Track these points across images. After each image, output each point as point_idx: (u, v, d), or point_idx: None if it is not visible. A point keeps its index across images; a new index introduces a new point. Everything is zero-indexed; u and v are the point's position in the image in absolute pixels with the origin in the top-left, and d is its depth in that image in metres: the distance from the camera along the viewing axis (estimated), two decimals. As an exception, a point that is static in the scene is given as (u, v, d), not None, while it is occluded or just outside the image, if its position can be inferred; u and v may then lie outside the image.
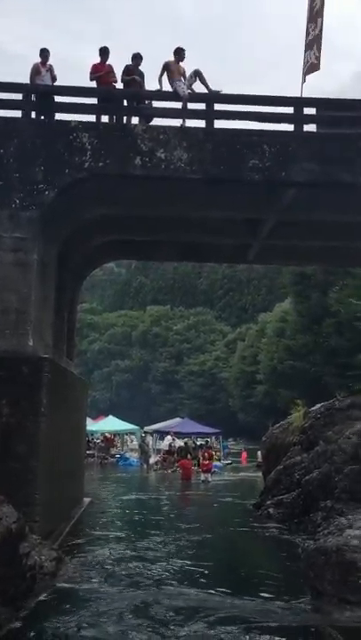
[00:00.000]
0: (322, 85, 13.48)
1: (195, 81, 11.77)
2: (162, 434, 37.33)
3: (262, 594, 8.88)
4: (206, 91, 11.78)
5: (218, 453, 34.31)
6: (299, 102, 12.13)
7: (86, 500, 17.27)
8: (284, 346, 50.81)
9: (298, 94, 12.69)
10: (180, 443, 34.84)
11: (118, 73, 12.16)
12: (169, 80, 11.81)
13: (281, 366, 50.18)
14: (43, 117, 11.67)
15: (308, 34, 13.30)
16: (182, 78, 11.73)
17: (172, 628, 7.31)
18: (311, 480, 13.69)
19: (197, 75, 11.76)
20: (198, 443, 35.21)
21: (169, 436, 34.30)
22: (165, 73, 11.79)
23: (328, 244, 15.80)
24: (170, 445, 33.33)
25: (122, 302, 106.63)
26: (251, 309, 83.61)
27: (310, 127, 12.15)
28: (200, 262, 60.08)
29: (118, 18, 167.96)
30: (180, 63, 11.89)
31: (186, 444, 33.97)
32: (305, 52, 13.20)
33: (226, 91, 11.96)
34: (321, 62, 12.70)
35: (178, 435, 36.04)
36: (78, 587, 8.91)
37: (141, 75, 12.25)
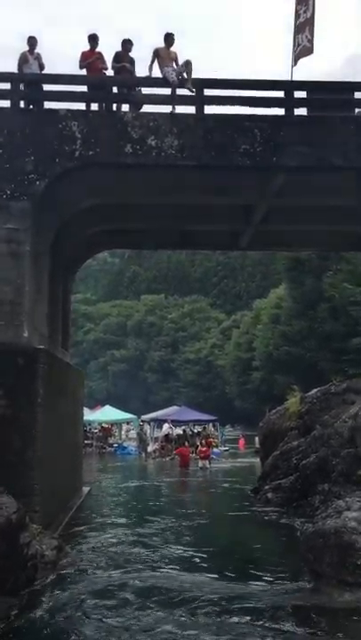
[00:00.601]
0: (313, 69, 13.37)
1: (184, 70, 11.65)
2: (159, 422, 37.45)
3: (262, 577, 8.97)
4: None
5: (216, 440, 34.41)
6: (289, 86, 12.06)
7: (85, 489, 17.35)
8: (279, 332, 50.87)
9: (288, 78, 12.61)
10: (177, 430, 34.98)
11: (108, 60, 12.06)
12: (160, 66, 11.71)
13: (277, 352, 50.27)
14: (31, 106, 11.57)
15: (298, 16, 13.17)
16: (174, 63, 11.62)
17: (173, 613, 7.36)
18: (309, 464, 13.77)
19: (187, 65, 11.62)
20: (196, 430, 35.34)
21: (166, 425, 34.39)
22: (156, 60, 11.67)
23: (321, 229, 15.81)
24: (167, 433, 33.43)
25: (116, 292, 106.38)
26: (245, 296, 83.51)
27: (301, 111, 12.10)
28: (193, 250, 59.94)
29: (105, 4, 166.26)
30: (171, 48, 11.78)
31: (184, 431, 34.12)
32: (295, 34, 13.10)
33: (215, 75, 11.89)
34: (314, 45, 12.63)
35: (175, 422, 36.15)
36: (79, 575, 8.96)
37: (132, 61, 12.13)
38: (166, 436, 33.21)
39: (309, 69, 13.73)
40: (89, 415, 34.91)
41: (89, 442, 33.38)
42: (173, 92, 11.46)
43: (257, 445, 25.05)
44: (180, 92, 11.56)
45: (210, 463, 26.15)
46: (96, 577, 8.91)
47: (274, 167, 11.65)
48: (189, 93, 11.60)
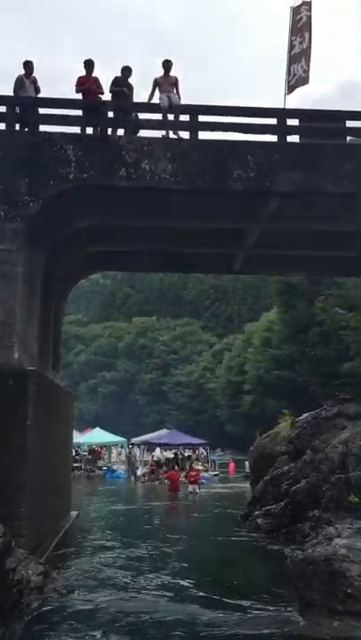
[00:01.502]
0: (307, 94, 13.65)
1: (177, 100, 11.81)
2: (150, 446, 37.20)
3: (250, 605, 8.83)
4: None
5: (205, 464, 34.18)
6: (282, 113, 12.25)
7: (73, 513, 17.13)
8: (270, 355, 50.88)
9: (281, 105, 12.83)
10: (168, 454, 34.74)
11: (104, 85, 12.22)
12: (160, 94, 11.90)
13: (268, 376, 50.22)
14: (27, 129, 11.66)
15: (292, 46, 13.47)
16: (174, 89, 11.80)
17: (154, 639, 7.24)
18: (299, 490, 13.68)
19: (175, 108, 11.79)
20: (186, 454, 35.13)
21: (158, 449, 33.96)
22: (157, 88, 11.86)
23: (313, 254, 15.92)
24: (158, 459, 32.92)
25: (108, 313, 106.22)
26: (237, 319, 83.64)
27: (294, 138, 12.27)
28: (186, 273, 60.11)
29: (103, 33, 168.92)
30: (170, 73, 11.96)
31: (175, 454, 33.89)
32: (290, 64, 13.37)
33: (210, 102, 12.08)
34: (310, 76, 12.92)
35: (165, 446, 35.93)
36: (65, 601, 8.80)
37: (130, 87, 12.31)
38: (157, 460, 32.84)
39: (303, 95, 14.03)
40: (78, 437, 34.63)
41: (78, 465, 33.05)
42: (164, 117, 11.61)
43: (247, 470, 24.89)
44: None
45: (199, 488, 25.91)
46: (82, 603, 8.75)
47: (266, 192, 11.78)
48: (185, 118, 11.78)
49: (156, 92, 11.79)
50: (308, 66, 13.18)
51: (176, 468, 30.08)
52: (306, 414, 16.19)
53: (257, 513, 15.57)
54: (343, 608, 7.55)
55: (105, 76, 12.29)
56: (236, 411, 59.88)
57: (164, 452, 36.14)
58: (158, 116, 11.87)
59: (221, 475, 36.33)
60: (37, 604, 8.41)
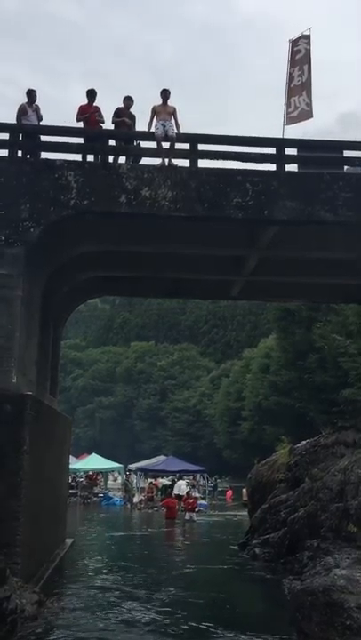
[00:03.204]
0: (307, 125, 13.85)
1: (170, 127, 11.98)
2: (146, 472, 36.87)
3: (248, 636, 8.69)
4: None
5: (198, 497, 33.41)
6: (281, 143, 12.42)
7: (69, 540, 16.91)
8: (268, 382, 50.75)
9: (279, 135, 13.02)
10: (165, 481, 34.42)
11: (106, 114, 12.44)
12: (157, 122, 12.06)
13: (266, 402, 50.03)
14: (29, 156, 11.81)
15: (291, 78, 13.71)
16: (172, 117, 11.97)
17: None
18: (297, 519, 13.53)
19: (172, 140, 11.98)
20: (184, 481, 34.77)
21: (183, 483, 32.48)
22: (155, 116, 12.03)
23: (311, 281, 16.00)
24: (179, 490, 31.31)
25: (106, 338, 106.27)
26: (235, 345, 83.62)
27: (292, 167, 12.44)
28: (184, 298, 60.30)
29: (103, 63, 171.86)
30: (168, 102, 12.14)
31: (173, 481, 33.55)
32: (289, 96, 13.58)
33: (209, 131, 12.25)
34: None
35: (162, 473, 35.64)
36: (59, 631, 8.65)
37: (132, 117, 12.51)
38: (177, 494, 30.78)
39: (303, 125, 14.23)
40: (75, 463, 34.35)
41: (74, 491, 32.70)
42: (159, 145, 11.78)
43: (244, 497, 24.64)
44: (176, 145, 11.86)
45: (197, 515, 25.59)
46: (76, 633, 8.60)
47: (265, 220, 11.89)
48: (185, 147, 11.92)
49: (155, 121, 11.96)
50: (310, 99, 13.40)
51: (173, 495, 29.73)
52: (304, 442, 16.10)
53: (255, 542, 15.40)
54: (342, 640, 7.43)
55: (107, 106, 12.53)
56: (234, 437, 59.50)
57: (161, 479, 35.82)
58: (155, 144, 12.02)
59: (219, 502, 35.92)
60: (31, 634, 8.27)
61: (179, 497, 28.04)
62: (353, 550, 10.19)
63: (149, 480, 36.04)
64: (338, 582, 8.02)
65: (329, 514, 12.26)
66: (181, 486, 30.53)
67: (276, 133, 13.39)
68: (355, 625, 7.45)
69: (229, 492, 39.20)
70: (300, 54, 13.77)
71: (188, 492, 28.07)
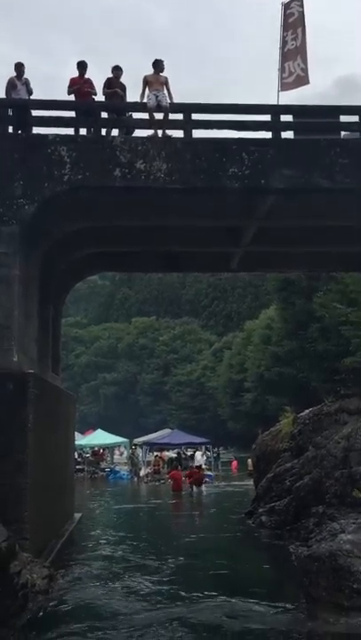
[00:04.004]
0: (303, 91, 13.56)
1: (164, 98, 11.76)
2: (152, 446, 37.19)
3: (257, 601, 8.82)
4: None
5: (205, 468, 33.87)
6: (276, 110, 12.22)
7: (77, 515, 17.11)
8: (270, 353, 50.85)
9: (274, 102, 12.80)
10: (170, 454, 34.74)
11: (98, 86, 12.20)
12: (150, 92, 11.84)
13: (268, 373, 50.20)
14: (20, 131, 11.63)
15: (285, 43, 13.41)
16: (164, 88, 11.75)
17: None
18: (302, 486, 13.65)
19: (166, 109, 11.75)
20: (189, 453, 35.13)
21: (199, 454, 33.33)
22: (147, 87, 11.80)
23: (310, 250, 15.89)
24: (200, 464, 31.70)
25: (107, 315, 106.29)
26: (236, 317, 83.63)
27: (288, 134, 12.25)
28: (183, 272, 60.08)
29: (96, 35, 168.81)
30: (161, 73, 11.91)
31: (178, 454, 33.87)
32: (283, 61, 13.30)
33: (203, 100, 12.04)
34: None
35: (167, 446, 35.94)
36: (71, 604, 8.78)
37: (123, 87, 12.28)
38: (198, 465, 31.31)
39: (299, 92, 13.95)
40: (80, 439, 34.61)
41: (80, 467, 33.02)
42: (151, 116, 11.58)
43: (250, 468, 24.85)
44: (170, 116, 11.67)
45: (205, 487, 25.71)
46: (87, 605, 8.74)
47: (262, 190, 11.75)
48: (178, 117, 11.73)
49: (147, 91, 11.74)
50: (306, 64, 13.11)
51: (179, 467, 30.02)
52: (307, 410, 16.16)
53: (261, 510, 15.56)
54: (349, 604, 7.54)
55: (99, 80, 12.29)
56: (238, 409, 59.87)
57: (166, 452, 36.14)
58: (147, 116, 11.82)
59: (224, 473, 36.28)
60: (43, 608, 8.40)
61: (199, 468, 28.42)
62: (358, 515, 10.29)
63: (155, 453, 36.35)
64: (344, 547, 8.11)
65: (333, 480, 12.37)
66: (198, 457, 31.31)
67: (272, 101, 13.19)
68: (361, 588, 7.55)
69: (235, 463, 39.58)
70: (293, 17, 13.46)
71: (199, 466, 28.33)
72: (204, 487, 25.47)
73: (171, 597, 9.15)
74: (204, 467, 30.09)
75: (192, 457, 33.70)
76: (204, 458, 32.33)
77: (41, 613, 8.22)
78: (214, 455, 38.47)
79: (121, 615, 8.25)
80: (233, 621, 7.83)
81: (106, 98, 12.14)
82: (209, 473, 31.38)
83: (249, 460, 25.43)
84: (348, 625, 7.33)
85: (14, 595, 8.02)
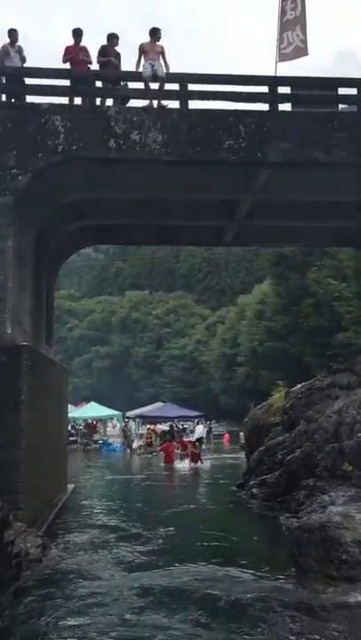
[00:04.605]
0: (303, 65, 13.29)
1: (159, 67, 11.55)
2: (144, 418, 37.44)
3: (247, 571, 8.99)
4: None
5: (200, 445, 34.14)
6: (273, 81, 12.03)
7: (70, 486, 17.28)
8: (263, 327, 51.05)
9: (271, 73, 12.58)
10: (163, 427, 35.02)
11: (94, 55, 11.96)
12: (145, 61, 11.61)
13: (261, 348, 50.45)
14: (13, 100, 11.43)
15: (284, 12, 13.10)
16: (160, 57, 11.53)
17: (153, 610, 7.35)
18: (293, 459, 13.82)
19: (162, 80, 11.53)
20: (181, 426, 35.45)
21: (200, 426, 33.93)
22: (143, 55, 11.56)
23: (305, 225, 15.82)
24: (202, 436, 32.04)
25: (100, 288, 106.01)
26: (230, 292, 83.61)
27: (286, 107, 12.08)
28: (178, 246, 59.89)
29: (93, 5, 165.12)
30: (157, 42, 11.67)
31: (171, 427, 34.16)
32: (282, 31, 13.01)
33: (200, 71, 11.83)
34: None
35: (160, 419, 36.21)
36: (64, 573, 8.91)
37: (118, 56, 12.04)
38: (199, 438, 31.60)
39: (299, 66, 13.70)
40: (73, 412, 34.79)
41: (74, 438, 33.26)
42: (146, 86, 11.39)
43: (242, 441, 25.08)
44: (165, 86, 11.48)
45: (202, 462, 25.64)
46: (80, 575, 8.87)
47: (258, 162, 11.64)
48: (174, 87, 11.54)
49: (142, 60, 11.52)
50: (305, 35, 12.83)
51: (171, 440, 30.29)
52: (300, 385, 16.29)
53: (252, 482, 15.76)
54: (338, 574, 7.69)
55: (95, 48, 12.04)
56: (231, 383, 60.27)
57: (159, 425, 36.44)
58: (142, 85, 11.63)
59: (217, 446, 36.64)
60: (36, 576, 8.52)
61: (200, 440, 28.75)
62: (348, 488, 10.45)
63: (148, 426, 36.65)
64: (334, 519, 8.25)
65: (324, 454, 12.52)
66: (200, 429, 31.83)
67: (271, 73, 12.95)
68: (351, 559, 7.70)
69: (226, 436, 39.97)
70: (292, -15, 13.15)
71: (199, 439, 28.51)
72: (200, 462, 25.33)
73: (160, 566, 9.29)
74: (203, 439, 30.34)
75: (184, 430, 34.07)
76: (205, 430, 32.81)
77: (34, 582, 8.34)
78: (207, 429, 38.84)
79: (113, 583, 8.37)
80: (222, 590, 7.97)
81: (100, 66, 11.92)
82: (202, 446, 31.66)
83: (241, 434, 25.65)
84: (337, 594, 7.48)
85: (8, 563, 8.13)
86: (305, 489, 12.65)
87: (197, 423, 35.01)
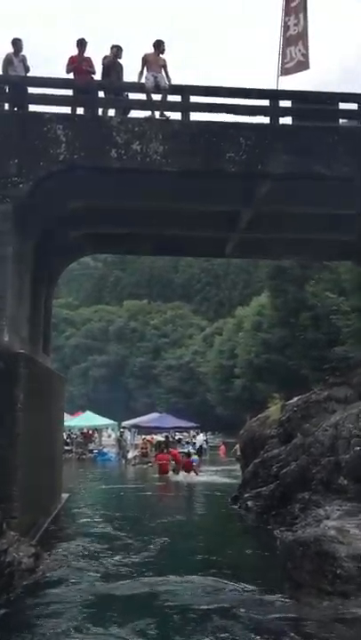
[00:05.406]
0: (308, 80, 13.38)
1: (162, 80, 11.65)
2: (140, 429, 37.35)
3: (241, 585, 8.92)
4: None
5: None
6: (274, 95, 12.13)
7: (65, 495, 17.19)
8: (261, 339, 50.98)
9: (273, 86, 12.70)
10: (159, 437, 34.93)
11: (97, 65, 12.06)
12: (148, 73, 11.71)
13: (258, 360, 50.34)
14: (16, 109, 11.49)
15: (286, 27, 13.26)
16: (162, 70, 11.63)
17: (146, 622, 7.29)
18: (289, 472, 13.76)
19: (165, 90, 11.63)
20: (177, 437, 35.36)
21: (201, 436, 34.15)
22: (146, 67, 11.66)
23: (305, 237, 15.87)
24: (201, 444, 32.29)
25: (98, 297, 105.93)
26: (228, 303, 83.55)
27: (286, 120, 12.17)
28: (177, 256, 59.96)
29: (99, 17, 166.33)
30: (161, 55, 11.77)
31: (166, 437, 34.07)
32: (285, 46, 13.17)
33: (202, 83, 11.92)
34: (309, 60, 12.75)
35: (156, 430, 36.12)
36: (57, 583, 8.85)
37: (120, 67, 12.13)
38: (200, 446, 31.72)
39: (305, 80, 13.83)
40: (69, 421, 34.70)
41: (69, 448, 33.15)
42: (149, 97, 11.48)
43: (238, 453, 24.98)
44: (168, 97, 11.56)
45: (196, 473, 25.58)
46: (73, 585, 8.81)
47: (259, 175, 11.70)
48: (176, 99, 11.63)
49: (145, 72, 11.62)
50: (307, 50, 12.98)
51: (165, 451, 30.18)
52: (296, 398, 16.25)
53: (247, 495, 15.68)
54: (332, 588, 7.64)
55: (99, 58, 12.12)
56: (227, 394, 60.07)
57: (155, 436, 36.34)
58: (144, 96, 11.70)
59: (212, 458, 36.51)
60: (29, 586, 8.46)
61: (200, 450, 28.82)
62: (343, 502, 10.40)
63: (143, 436, 36.56)
64: (328, 533, 8.20)
65: (320, 467, 12.47)
66: (200, 439, 31.98)
67: (272, 86, 13.06)
68: (345, 574, 7.65)
69: (222, 448, 39.84)
70: (295, 1, 13.30)
71: (197, 451, 28.54)
72: (192, 473, 25.24)
73: (152, 577, 9.22)
74: (193, 450, 30.31)
75: (179, 441, 33.99)
76: (205, 440, 32.94)
77: (26, 591, 8.28)
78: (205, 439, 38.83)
79: (105, 595, 8.31)
80: (216, 604, 7.91)
81: (102, 76, 11.97)
82: (195, 457, 31.56)
83: (237, 446, 25.57)
84: (331, 609, 7.43)
85: (0, 573, 8.06)
86: (300, 502, 12.59)
87: (197, 433, 35.00)
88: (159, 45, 11.80)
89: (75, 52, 12.07)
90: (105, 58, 12.05)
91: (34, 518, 11.37)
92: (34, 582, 8.65)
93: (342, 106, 12.55)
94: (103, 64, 12.07)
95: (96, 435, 40.95)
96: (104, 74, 12.00)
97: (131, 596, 8.20)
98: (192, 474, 25.16)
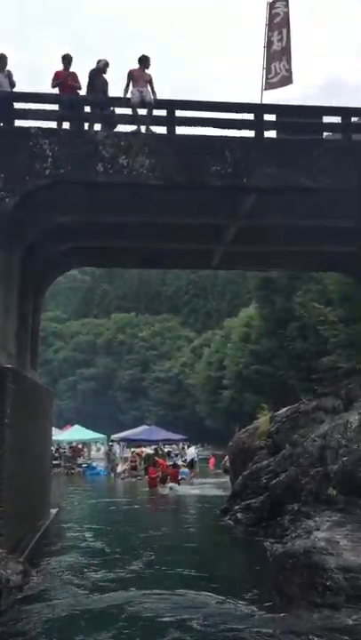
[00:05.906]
0: (289, 94, 13.60)
1: (148, 95, 11.75)
2: (129, 442, 37.16)
3: (231, 598, 8.87)
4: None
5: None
6: (259, 109, 12.25)
7: (53, 510, 17.04)
8: (249, 351, 51.05)
9: (257, 100, 12.82)
10: (148, 450, 34.75)
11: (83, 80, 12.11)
12: (133, 88, 11.79)
13: (247, 371, 50.38)
14: (2, 124, 11.51)
15: (270, 43, 13.41)
16: (148, 85, 11.72)
17: (133, 636, 7.23)
18: (278, 484, 13.75)
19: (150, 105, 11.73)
20: (166, 450, 35.20)
21: (192, 448, 34.20)
22: (132, 82, 11.74)
23: (291, 249, 15.95)
24: (193, 458, 32.33)
25: (86, 310, 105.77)
26: (216, 315, 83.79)
27: (271, 134, 12.29)
28: (164, 269, 60.04)
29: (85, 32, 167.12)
30: (146, 70, 11.86)
31: (156, 450, 33.91)
32: (269, 62, 13.32)
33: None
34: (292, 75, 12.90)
35: (145, 442, 35.94)
36: (45, 600, 8.76)
37: (105, 82, 12.20)
38: (192, 458, 31.97)
39: (285, 94, 14.04)
40: (58, 435, 34.44)
41: (57, 462, 32.87)
42: (134, 112, 11.56)
43: (226, 465, 24.94)
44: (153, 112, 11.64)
45: (179, 484, 25.78)
46: (62, 601, 8.72)
47: (244, 188, 11.78)
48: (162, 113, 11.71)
49: (131, 87, 11.70)
50: (290, 64, 13.14)
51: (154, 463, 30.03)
52: (285, 409, 16.29)
53: (237, 507, 15.64)
54: (322, 601, 7.61)
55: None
56: (216, 406, 60.02)
57: (144, 449, 36.16)
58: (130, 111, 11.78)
59: (201, 470, 36.36)
60: (17, 603, 8.36)
61: (192, 463, 28.84)
62: (333, 513, 10.39)
63: (132, 450, 36.34)
64: (318, 544, 8.19)
65: (309, 478, 12.47)
66: (191, 451, 31.99)
67: (256, 100, 13.19)
68: (335, 585, 7.63)
69: (212, 460, 39.68)
70: (278, 17, 13.46)
71: (174, 463, 28.50)
72: (177, 484, 25.43)
73: (140, 592, 9.16)
74: (184, 463, 30.29)
75: (169, 453, 33.86)
76: (196, 452, 32.95)
77: (14, 609, 8.19)
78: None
79: (93, 611, 8.24)
80: (205, 618, 7.86)
81: (87, 92, 12.00)
82: (185, 470, 31.46)
83: (226, 457, 25.52)
84: (321, 622, 7.40)
85: (-12, 590, 7.98)
86: (290, 514, 12.58)
87: (188, 446, 34.92)
88: (145, 60, 11.89)
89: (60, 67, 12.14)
90: (92, 70, 12.12)
91: (22, 535, 11.25)
92: (21, 598, 8.55)
93: (326, 119, 12.69)
94: (89, 76, 12.12)
95: (85, 449, 40.66)
96: (89, 84, 12.04)
97: (117, 611, 8.13)
98: (179, 485, 25.22)
